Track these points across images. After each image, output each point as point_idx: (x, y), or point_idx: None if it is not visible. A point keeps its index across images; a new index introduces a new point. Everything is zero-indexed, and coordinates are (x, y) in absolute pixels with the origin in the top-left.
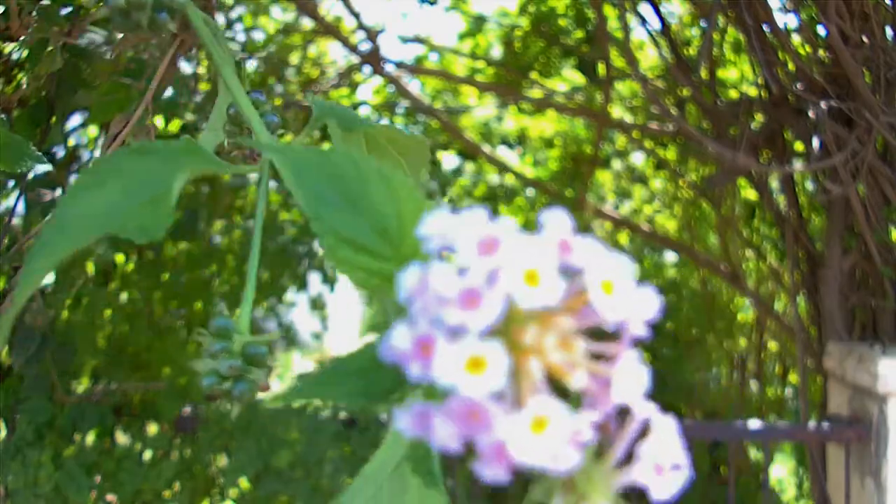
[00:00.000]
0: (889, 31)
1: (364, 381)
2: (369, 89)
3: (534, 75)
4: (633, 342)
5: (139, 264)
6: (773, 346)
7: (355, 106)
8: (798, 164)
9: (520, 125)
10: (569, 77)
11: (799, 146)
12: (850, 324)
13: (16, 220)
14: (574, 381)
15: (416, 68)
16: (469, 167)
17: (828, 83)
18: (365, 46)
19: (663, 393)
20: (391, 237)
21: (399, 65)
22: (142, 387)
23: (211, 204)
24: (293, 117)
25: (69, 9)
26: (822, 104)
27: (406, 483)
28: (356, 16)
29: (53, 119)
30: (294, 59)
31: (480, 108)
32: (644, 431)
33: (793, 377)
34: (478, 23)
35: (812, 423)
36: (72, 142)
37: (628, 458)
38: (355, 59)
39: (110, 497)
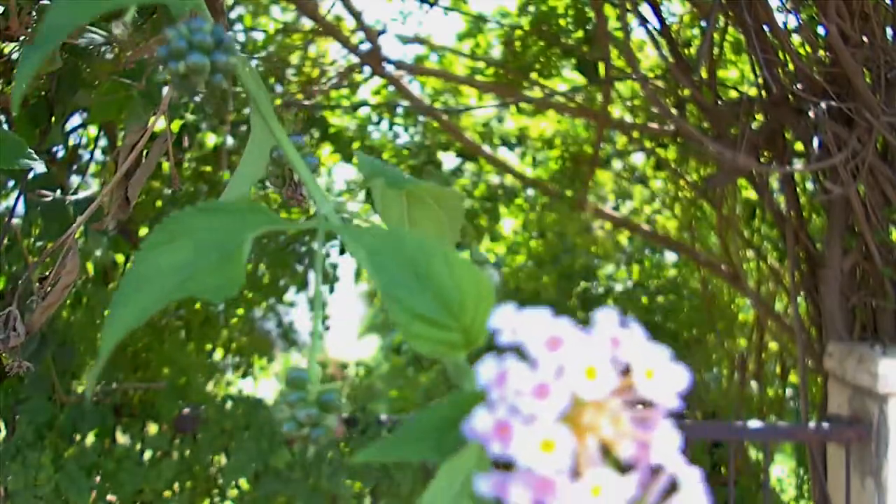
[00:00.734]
0: (889, 31)
1: (435, 441)
2: (369, 89)
3: (534, 75)
4: (667, 412)
5: None
6: (773, 346)
7: (355, 106)
8: (798, 164)
9: (520, 125)
10: (569, 77)
11: (799, 146)
12: (850, 324)
13: (16, 220)
14: (622, 450)
15: (416, 68)
16: (469, 167)
17: (828, 83)
18: (365, 46)
19: None
20: (453, 309)
21: (399, 65)
22: (142, 387)
23: None
24: (293, 117)
25: None
26: (822, 104)
27: None
28: (356, 16)
29: (53, 119)
30: (294, 59)
31: (480, 108)
32: (673, 484)
33: (793, 377)
34: (478, 23)
35: (812, 423)
36: (72, 142)
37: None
38: (355, 60)
39: (110, 497)
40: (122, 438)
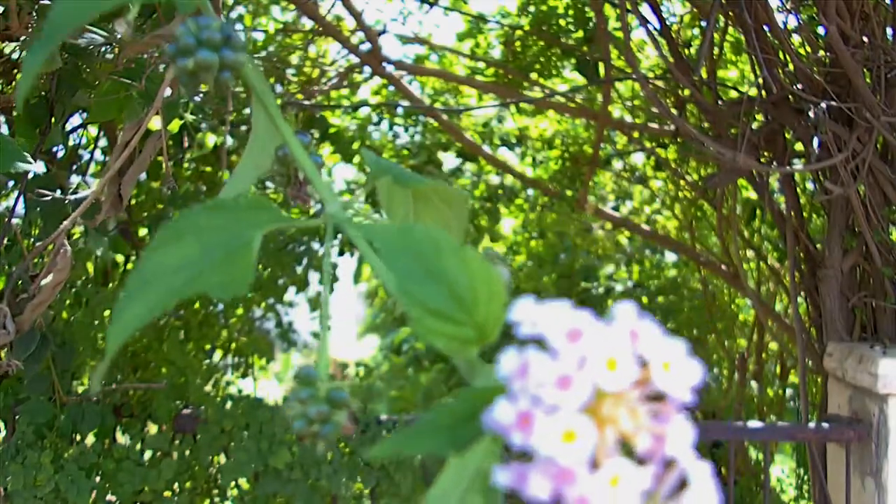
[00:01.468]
0: (889, 31)
1: (449, 436)
2: (369, 89)
3: (534, 75)
4: (681, 406)
5: None
6: (773, 346)
7: (355, 107)
8: (798, 164)
9: (520, 125)
10: (569, 77)
11: (799, 146)
12: (850, 324)
13: (16, 220)
14: (639, 442)
15: (416, 68)
16: (469, 167)
17: (828, 83)
18: (365, 46)
19: None
20: (466, 304)
21: (399, 65)
22: (141, 387)
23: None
24: (293, 118)
25: None
26: (822, 104)
27: None
28: (356, 16)
29: (53, 119)
30: (294, 59)
31: (480, 108)
32: (683, 479)
33: (793, 377)
34: (478, 23)
35: (812, 423)
36: (72, 142)
37: (671, 496)
38: (355, 60)
39: (110, 497)
40: (122, 439)
